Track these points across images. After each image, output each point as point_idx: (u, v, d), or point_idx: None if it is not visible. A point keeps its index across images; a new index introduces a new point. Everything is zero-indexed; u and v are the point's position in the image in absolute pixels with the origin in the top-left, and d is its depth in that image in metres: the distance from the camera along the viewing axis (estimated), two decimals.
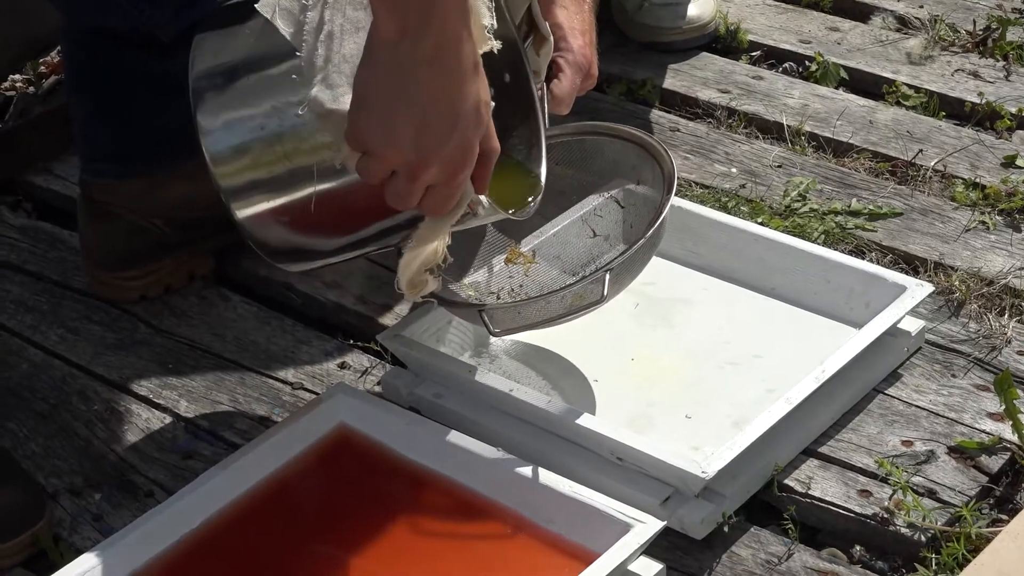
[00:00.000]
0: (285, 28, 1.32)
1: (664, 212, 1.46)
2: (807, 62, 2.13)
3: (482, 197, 1.32)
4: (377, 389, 1.60)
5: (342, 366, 1.64)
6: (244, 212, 1.38)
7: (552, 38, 1.46)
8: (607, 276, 1.41)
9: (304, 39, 1.31)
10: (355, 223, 1.38)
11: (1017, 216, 1.79)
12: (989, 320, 1.63)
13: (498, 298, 1.50)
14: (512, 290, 1.54)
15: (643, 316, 1.62)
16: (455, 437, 1.44)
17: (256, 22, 1.35)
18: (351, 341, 1.67)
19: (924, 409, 1.53)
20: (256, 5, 1.34)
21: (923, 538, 1.40)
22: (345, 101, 1.27)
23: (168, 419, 1.59)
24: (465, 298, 1.47)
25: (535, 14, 1.44)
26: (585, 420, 1.43)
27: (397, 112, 1.21)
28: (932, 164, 1.89)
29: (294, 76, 1.32)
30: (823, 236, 1.75)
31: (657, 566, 1.35)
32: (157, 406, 1.61)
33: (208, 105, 1.36)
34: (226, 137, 1.36)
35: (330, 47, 1.30)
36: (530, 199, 1.43)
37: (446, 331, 1.59)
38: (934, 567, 1.37)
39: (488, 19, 1.34)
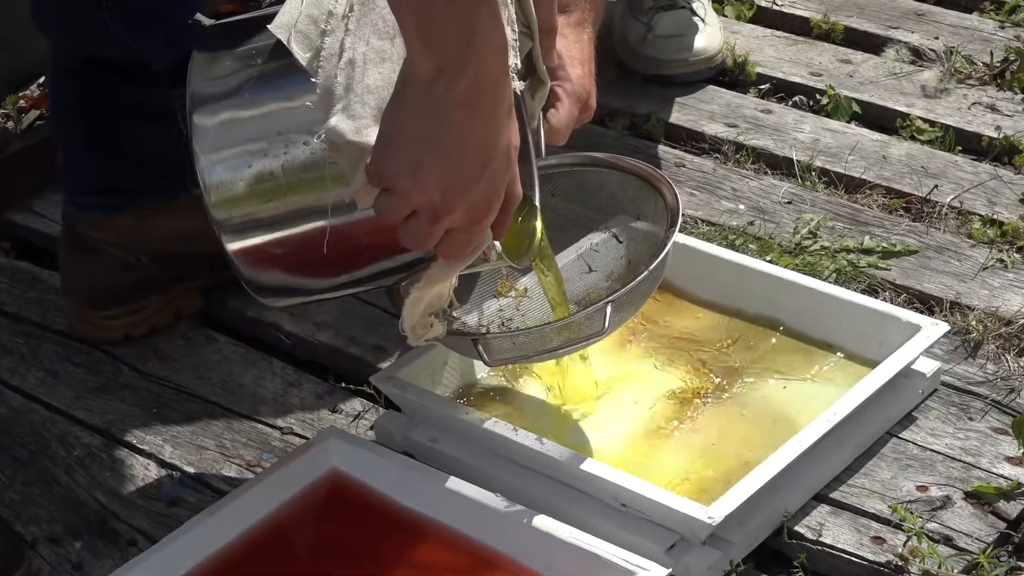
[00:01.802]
0: (301, 53, 1.31)
1: (669, 244, 1.48)
2: (818, 95, 2.16)
3: (496, 243, 1.33)
4: (370, 434, 1.62)
5: (334, 410, 1.66)
6: (237, 244, 1.38)
7: (549, 83, 1.48)
8: (609, 308, 1.43)
9: (320, 65, 1.30)
10: (354, 261, 1.39)
11: None
12: (1007, 361, 1.66)
13: (488, 331, 1.52)
14: (503, 323, 1.55)
15: (649, 356, 1.65)
16: (451, 483, 1.46)
17: (263, 43, 1.35)
18: (343, 384, 1.69)
19: (940, 453, 1.55)
20: (269, 26, 1.33)
21: None
22: (368, 134, 1.27)
23: (152, 465, 1.61)
24: (458, 328, 1.48)
25: (535, 57, 1.45)
26: (587, 464, 1.45)
27: (426, 152, 1.21)
28: (948, 200, 1.92)
29: (308, 103, 1.31)
30: (835, 275, 1.78)
31: None
32: (140, 452, 1.63)
33: (206, 129, 1.36)
34: (224, 163, 1.35)
35: (351, 75, 1.29)
36: (531, 249, 1.45)
37: (442, 373, 1.61)
38: None
39: (513, 58, 1.36)
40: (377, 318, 1.77)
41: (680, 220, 1.51)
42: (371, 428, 1.62)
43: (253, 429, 1.65)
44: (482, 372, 1.62)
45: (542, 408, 1.60)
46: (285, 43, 1.32)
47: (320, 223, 1.35)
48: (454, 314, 1.48)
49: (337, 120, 1.28)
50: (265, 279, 1.40)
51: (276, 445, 1.62)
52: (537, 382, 1.61)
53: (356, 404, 1.67)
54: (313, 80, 1.31)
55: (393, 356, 1.70)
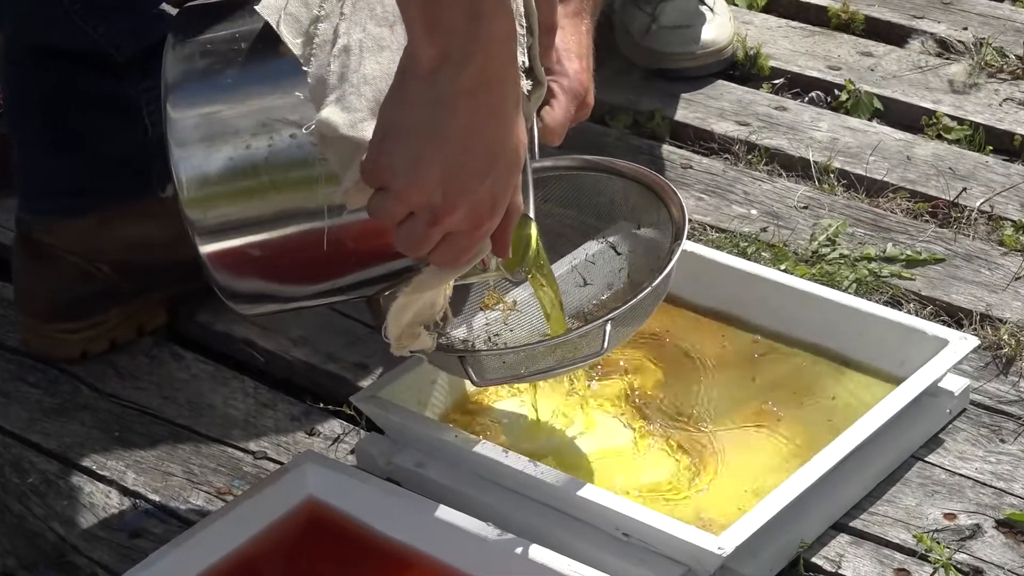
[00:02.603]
0: (291, 38, 1.31)
1: (674, 259, 1.49)
2: (836, 91, 2.17)
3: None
4: (350, 458, 1.62)
5: (311, 432, 1.67)
6: (211, 247, 1.37)
7: (546, 84, 1.49)
8: (608, 326, 1.44)
9: (313, 52, 1.30)
10: (339, 268, 1.38)
11: None
12: None
13: (472, 347, 1.52)
14: (489, 339, 1.56)
15: (653, 372, 1.66)
16: (439, 511, 1.46)
17: (246, 26, 1.35)
18: (321, 404, 1.70)
19: (969, 478, 1.56)
20: (257, 7, 1.32)
21: None
22: (364, 128, 1.27)
23: (113, 493, 1.61)
24: (444, 343, 1.48)
25: (532, 56, 1.46)
26: (586, 491, 1.45)
27: (428, 147, 1.22)
28: (978, 204, 1.93)
29: (297, 93, 1.31)
30: (854, 285, 1.79)
31: None
32: (101, 479, 1.63)
33: (181, 119, 1.35)
34: (201, 157, 1.34)
35: (346, 63, 1.29)
36: (527, 259, 1.45)
37: (429, 392, 1.61)
38: None
39: (521, 56, 1.36)
40: (357, 333, 1.77)
41: (686, 232, 1.51)
42: (351, 452, 1.63)
43: (223, 454, 1.65)
44: (473, 390, 1.63)
45: (538, 430, 1.60)
46: (274, 27, 1.32)
47: (305, 226, 1.34)
48: (444, 328, 1.48)
49: (329, 112, 1.28)
50: (240, 285, 1.40)
51: (248, 471, 1.63)
52: (528, 401, 1.62)
53: (335, 426, 1.67)
54: (304, 69, 1.30)
55: (375, 374, 1.71)
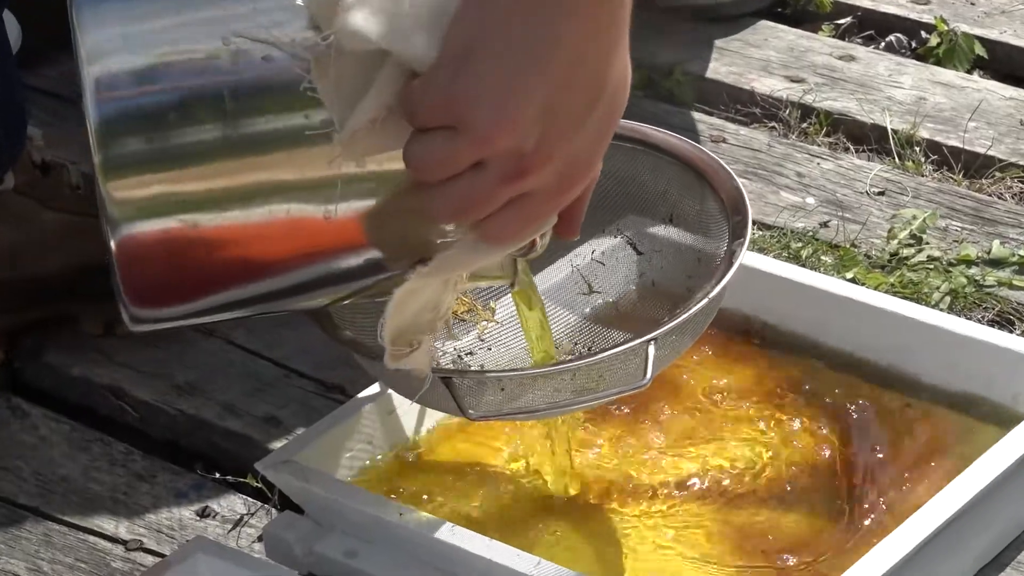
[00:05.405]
0: None
1: (735, 265, 1.49)
2: (924, 33, 2.18)
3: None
4: (258, 547, 1.63)
5: (203, 513, 1.68)
6: (134, 227, 1.25)
7: None
8: (650, 348, 1.43)
9: None
10: (306, 257, 1.30)
11: None
12: None
13: (437, 365, 1.53)
14: (460, 358, 1.57)
15: (682, 415, 1.67)
16: None
17: None
18: (217, 474, 1.71)
19: None
20: None
21: None
22: (414, 42, 1.20)
23: None
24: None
25: None
26: None
27: (527, 73, 1.20)
28: None
29: None
30: (948, 298, 1.80)
31: None
32: None
33: (98, 28, 1.24)
34: (128, 89, 1.24)
35: None
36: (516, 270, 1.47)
37: (365, 454, 1.62)
38: None
39: None
40: (265, 375, 1.79)
41: (750, 227, 1.51)
42: (258, 539, 1.64)
43: (83, 544, 1.66)
44: (425, 450, 1.64)
45: (516, 503, 1.61)
46: None
47: (279, 196, 1.26)
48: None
49: (356, 16, 1.20)
50: (161, 286, 1.29)
51: (117, 567, 1.64)
52: (507, 461, 1.64)
53: (236, 504, 1.68)
54: None
55: (291, 431, 1.72)
